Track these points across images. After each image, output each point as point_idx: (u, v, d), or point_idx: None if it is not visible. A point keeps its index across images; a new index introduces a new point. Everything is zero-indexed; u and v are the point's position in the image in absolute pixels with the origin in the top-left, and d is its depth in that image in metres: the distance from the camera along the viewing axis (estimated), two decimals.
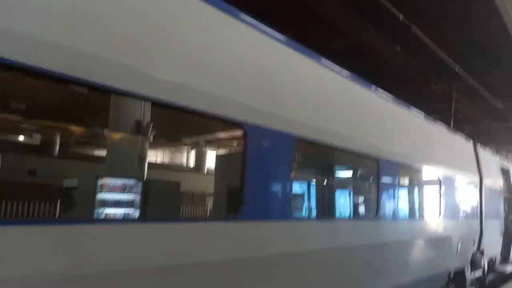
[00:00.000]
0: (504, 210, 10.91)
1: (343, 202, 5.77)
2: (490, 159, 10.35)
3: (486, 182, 9.09)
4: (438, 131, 7.57)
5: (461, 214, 7.73)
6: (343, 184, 6.05)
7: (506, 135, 16.21)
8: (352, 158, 5.03)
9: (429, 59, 10.68)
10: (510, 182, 11.32)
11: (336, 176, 5.96)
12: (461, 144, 8.65)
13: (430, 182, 6.96)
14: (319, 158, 5.17)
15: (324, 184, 5.64)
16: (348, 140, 4.51)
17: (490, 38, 10.93)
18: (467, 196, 8.12)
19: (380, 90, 5.60)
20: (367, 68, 10.14)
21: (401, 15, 8.20)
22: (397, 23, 8.60)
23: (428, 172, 6.67)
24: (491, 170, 9.92)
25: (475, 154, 9.01)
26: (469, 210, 8.17)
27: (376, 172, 5.01)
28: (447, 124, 10.61)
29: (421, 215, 7.04)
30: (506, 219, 11.02)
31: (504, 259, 10.86)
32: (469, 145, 8.99)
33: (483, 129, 15.49)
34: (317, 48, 4.78)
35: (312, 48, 4.65)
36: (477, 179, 8.70)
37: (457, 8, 9.92)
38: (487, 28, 10.40)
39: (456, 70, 10.96)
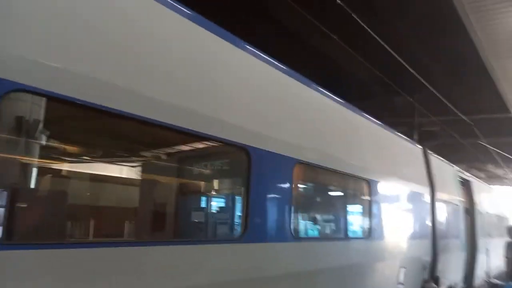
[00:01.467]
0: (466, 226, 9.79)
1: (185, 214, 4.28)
2: (446, 169, 9.32)
3: (440, 195, 8.06)
4: (370, 129, 6.22)
5: (402, 233, 6.54)
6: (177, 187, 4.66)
7: (475, 152, 15.91)
8: (192, 142, 3.68)
9: (391, 69, 10.34)
10: (471, 195, 10.46)
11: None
12: (406, 149, 7.55)
13: (353, 191, 5.68)
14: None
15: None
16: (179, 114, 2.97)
17: (456, 51, 10.68)
18: (412, 211, 7.02)
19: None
20: (328, 79, 9.74)
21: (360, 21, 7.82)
22: (356, 30, 8.22)
23: (350, 175, 5.18)
24: (447, 182, 8.94)
25: (426, 163, 7.94)
26: (415, 228, 7.03)
27: (246, 168, 3.50)
28: (410, 138, 10.13)
29: (332, 235, 5.51)
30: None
31: (468, 286, 9.78)
32: (418, 151, 7.95)
33: (450, 144, 15.15)
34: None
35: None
36: (427, 191, 7.67)
37: (424, 23, 9.67)
38: (454, 41, 10.14)
39: (419, 80, 10.62)
